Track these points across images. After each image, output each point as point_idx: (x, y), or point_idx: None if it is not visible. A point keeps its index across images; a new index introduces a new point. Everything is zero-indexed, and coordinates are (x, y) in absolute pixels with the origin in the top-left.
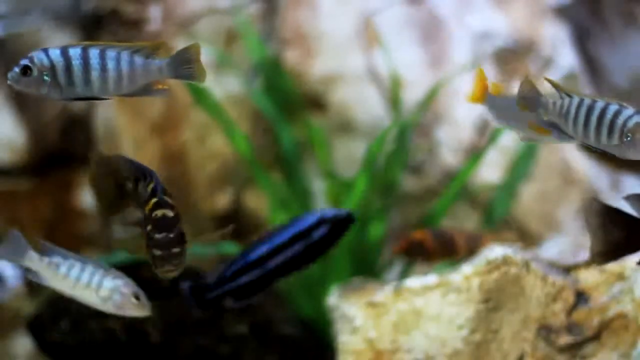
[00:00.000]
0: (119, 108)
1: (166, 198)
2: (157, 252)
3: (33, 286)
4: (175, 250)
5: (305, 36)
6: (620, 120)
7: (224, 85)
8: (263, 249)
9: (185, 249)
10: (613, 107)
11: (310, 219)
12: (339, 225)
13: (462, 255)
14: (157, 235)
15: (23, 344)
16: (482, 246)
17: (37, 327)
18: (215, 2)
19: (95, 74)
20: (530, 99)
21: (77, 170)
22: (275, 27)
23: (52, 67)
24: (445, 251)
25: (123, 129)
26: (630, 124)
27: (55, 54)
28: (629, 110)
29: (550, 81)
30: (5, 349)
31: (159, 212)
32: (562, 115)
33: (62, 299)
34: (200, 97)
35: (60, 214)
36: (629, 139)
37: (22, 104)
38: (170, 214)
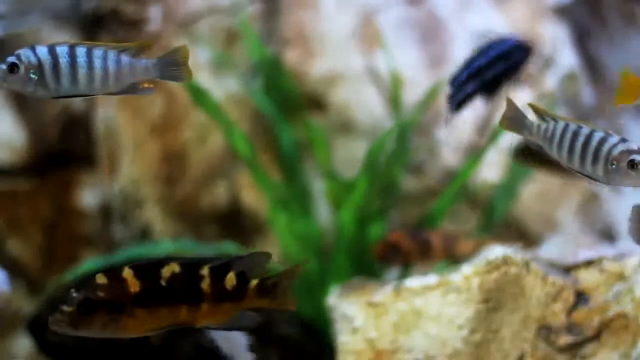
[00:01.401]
0: (119, 108)
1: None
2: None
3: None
4: (65, 309)
5: (305, 36)
6: (605, 148)
7: (224, 85)
8: (481, 61)
9: (81, 326)
10: (598, 135)
11: (508, 42)
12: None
13: (438, 257)
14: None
15: (23, 344)
16: (458, 247)
17: (37, 327)
18: (215, 2)
19: (82, 72)
20: (514, 121)
21: (77, 170)
22: (275, 27)
23: (40, 65)
24: (422, 252)
25: (123, 129)
26: (615, 152)
27: (42, 51)
28: (614, 138)
29: (533, 106)
30: (5, 349)
31: (100, 275)
32: (546, 139)
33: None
34: (200, 97)
35: (60, 214)
36: (614, 166)
37: (22, 104)
38: (100, 281)
